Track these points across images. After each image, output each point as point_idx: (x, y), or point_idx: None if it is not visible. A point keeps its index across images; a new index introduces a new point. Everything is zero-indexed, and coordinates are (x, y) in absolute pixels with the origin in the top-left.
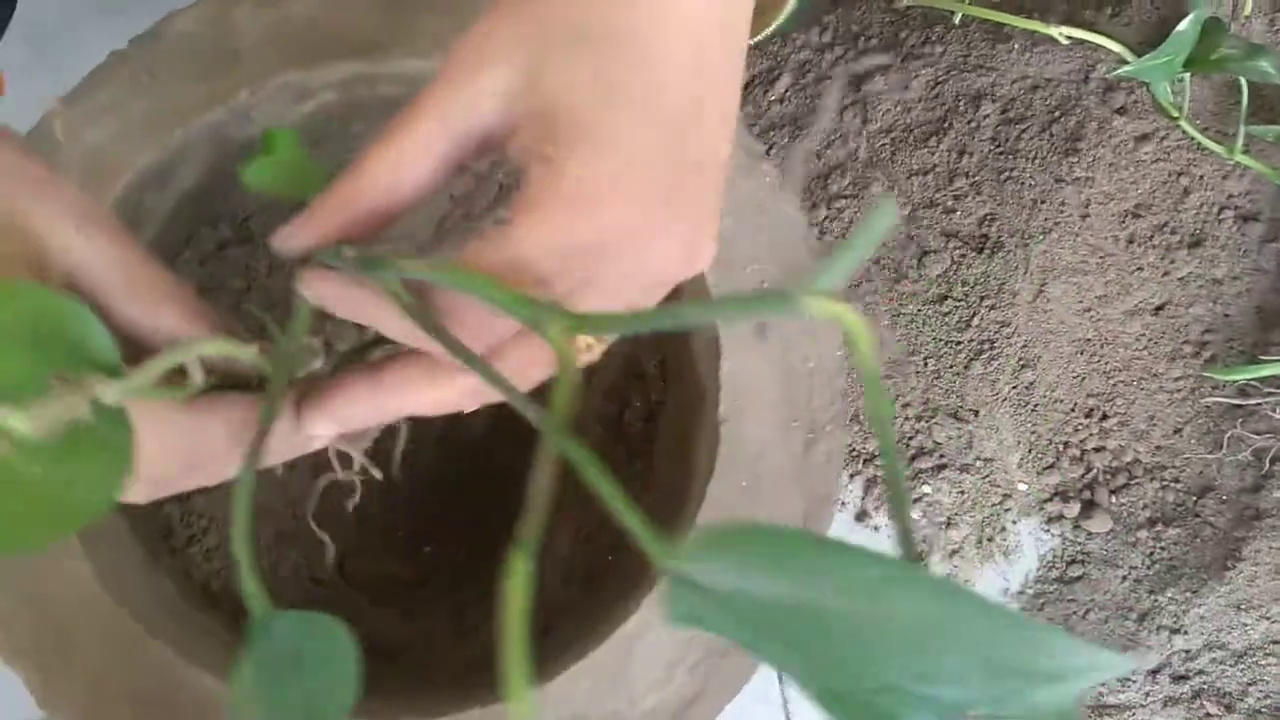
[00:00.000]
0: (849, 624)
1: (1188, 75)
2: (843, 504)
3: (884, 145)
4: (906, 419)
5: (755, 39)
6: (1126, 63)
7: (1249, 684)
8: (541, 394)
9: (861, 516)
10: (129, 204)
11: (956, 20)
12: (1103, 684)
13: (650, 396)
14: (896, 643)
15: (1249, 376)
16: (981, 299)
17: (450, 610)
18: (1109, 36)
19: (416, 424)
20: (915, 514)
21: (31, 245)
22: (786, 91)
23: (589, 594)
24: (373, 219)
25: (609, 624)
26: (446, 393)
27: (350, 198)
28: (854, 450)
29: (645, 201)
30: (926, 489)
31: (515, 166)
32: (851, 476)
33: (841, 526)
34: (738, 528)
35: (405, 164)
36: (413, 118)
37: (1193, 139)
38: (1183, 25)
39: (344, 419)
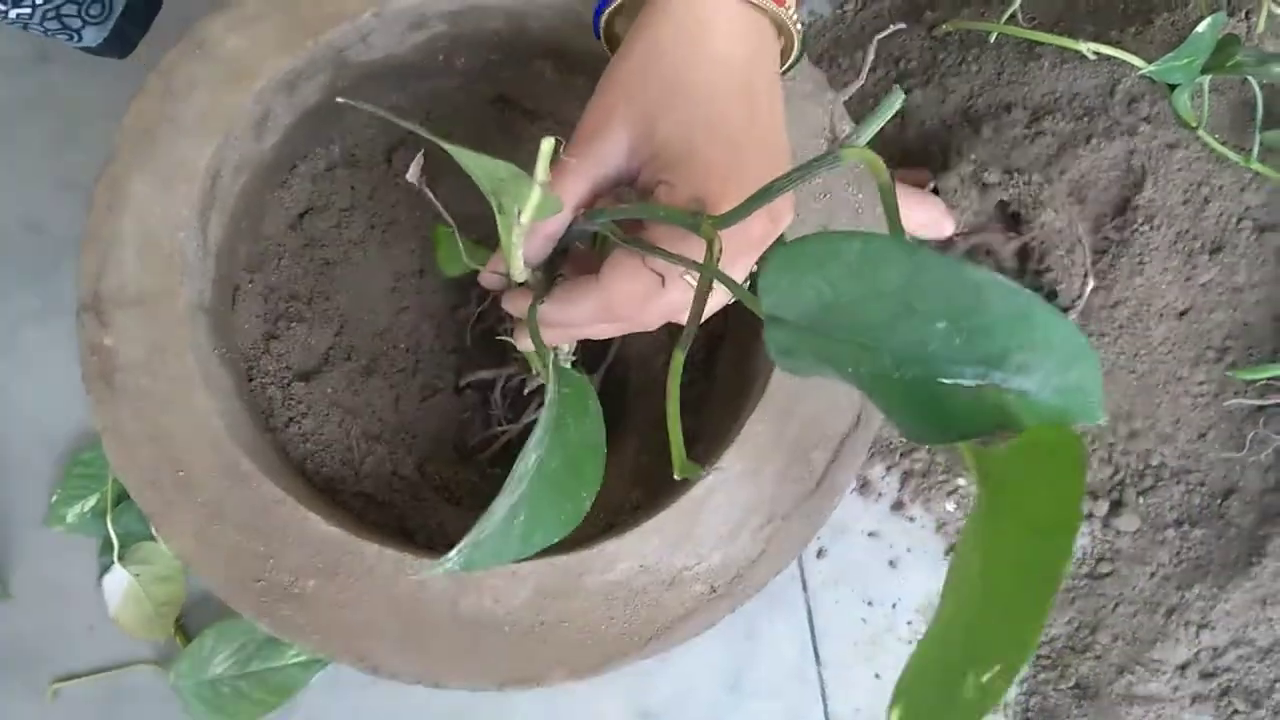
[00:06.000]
0: (892, 311)
1: (1206, 84)
2: (880, 495)
3: None
4: None
5: None
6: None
7: (1275, 680)
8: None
9: (897, 506)
10: (261, 107)
11: (992, 39)
12: (1130, 673)
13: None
14: (930, 319)
15: (1271, 375)
16: None
17: None
18: (1133, 53)
19: None
20: (950, 505)
21: None
22: None
23: (651, 495)
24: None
25: (674, 497)
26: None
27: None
28: (890, 444)
29: (736, 191)
30: (961, 481)
31: (640, 193)
32: (889, 469)
33: (877, 515)
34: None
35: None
36: (561, 173)
37: (1211, 149)
38: (1201, 27)
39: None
